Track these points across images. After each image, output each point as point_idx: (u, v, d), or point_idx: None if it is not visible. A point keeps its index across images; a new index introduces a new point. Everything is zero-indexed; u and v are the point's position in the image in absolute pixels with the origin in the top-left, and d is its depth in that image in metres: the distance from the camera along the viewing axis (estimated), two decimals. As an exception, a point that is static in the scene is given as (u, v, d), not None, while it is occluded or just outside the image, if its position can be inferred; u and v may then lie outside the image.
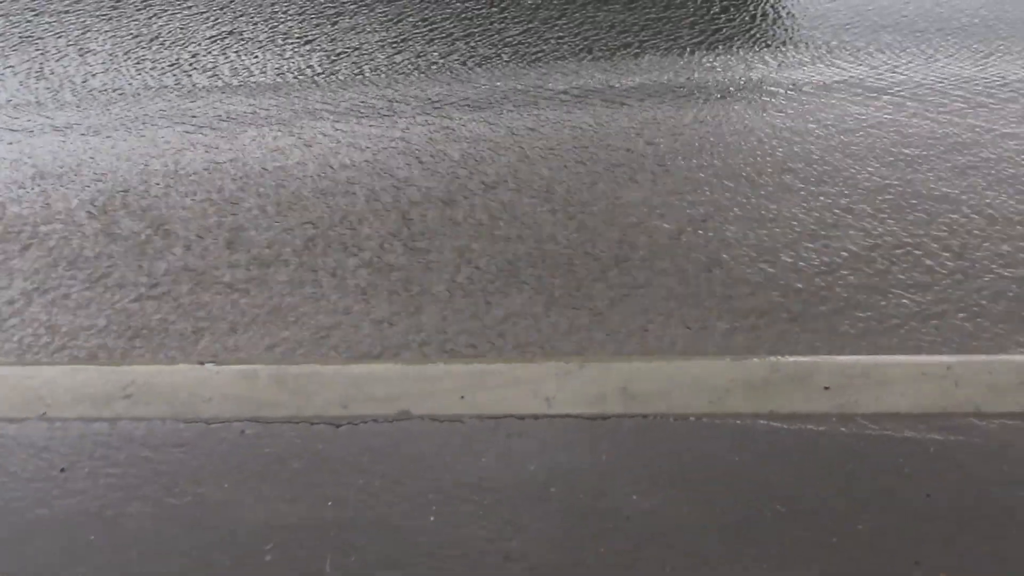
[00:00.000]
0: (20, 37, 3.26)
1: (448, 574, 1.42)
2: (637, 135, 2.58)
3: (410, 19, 3.29)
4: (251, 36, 3.22)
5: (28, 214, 2.34)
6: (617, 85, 2.84)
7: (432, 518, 1.51)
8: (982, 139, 2.48)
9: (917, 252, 2.09)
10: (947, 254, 2.08)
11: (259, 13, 3.38)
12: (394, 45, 3.13)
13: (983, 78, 2.81)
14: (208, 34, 3.24)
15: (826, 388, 1.74)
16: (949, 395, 1.71)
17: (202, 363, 1.86)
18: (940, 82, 2.80)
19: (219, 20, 3.34)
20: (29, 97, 2.89)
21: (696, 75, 2.90)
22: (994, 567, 1.41)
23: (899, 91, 2.76)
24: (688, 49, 3.05)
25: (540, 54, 3.05)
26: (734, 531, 1.48)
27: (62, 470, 1.62)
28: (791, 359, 1.80)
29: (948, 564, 1.41)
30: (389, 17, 3.32)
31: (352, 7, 3.39)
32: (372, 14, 3.35)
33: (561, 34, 3.16)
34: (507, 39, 3.14)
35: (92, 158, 2.56)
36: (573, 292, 2.01)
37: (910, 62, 2.91)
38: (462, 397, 1.74)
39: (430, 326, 1.94)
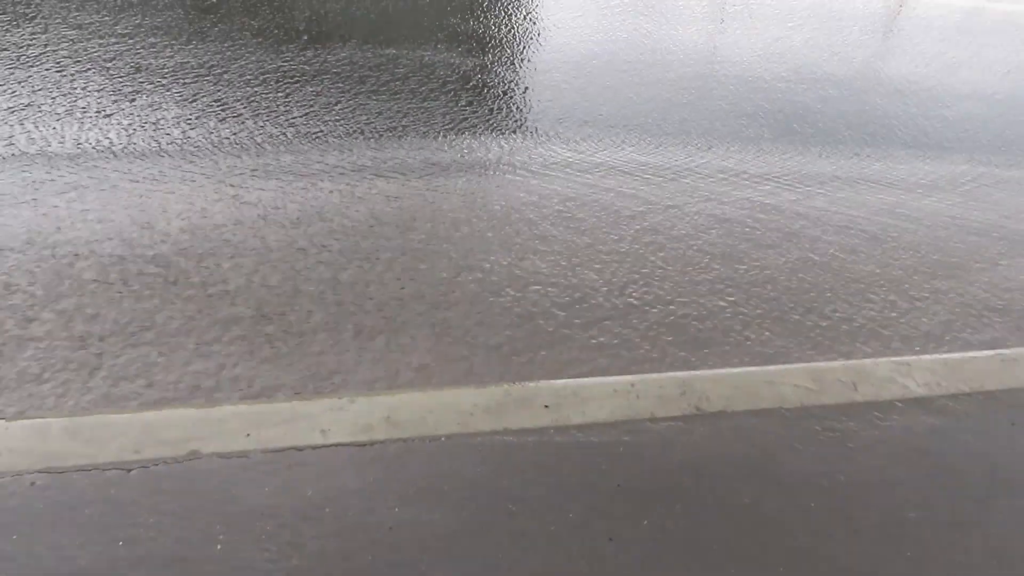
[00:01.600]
0: None
1: (233, 596, 1.32)
2: (395, 199, 2.58)
3: (205, 99, 3.09)
4: (49, 109, 2.86)
5: None
6: (383, 161, 2.83)
7: (219, 547, 1.40)
8: (647, 209, 2.74)
9: (600, 295, 2.25)
10: (625, 297, 2.25)
11: (57, 88, 3.02)
12: (189, 122, 2.92)
13: (655, 163, 3.11)
14: (5, 105, 2.84)
15: (546, 406, 1.81)
16: (632, 406, 1.85)
17: (-9, 420, 1.61)
18: (626, 164, 3.05)
19: (17, 92, 2.94)
20: None
21: (447, 154, 2.96)
22: (666, 535, 1.53)
23: (598, 171, 2.98)
24: (442, 133, 3.11)
25: (320, 134, 2.97)
26: (476, 528, 1.50)
27: None
28: (519, 384, 1.87)
29: (633, 538, 1.52)
30: (185, 97, 3.09)
31: (149, 87, 3.12)
32: (168, 94, 3.10)
33: (337, 118, 3.10)
34: (291, 119, 3.03)
35: None
36: (336, 340, 1.97)
37: (605, 149, 3.15)
38: (248, 434, 1.63)
39: (224, 376, 1.81)
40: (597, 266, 2.37)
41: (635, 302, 2.23)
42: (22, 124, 2.75)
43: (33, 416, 1.63)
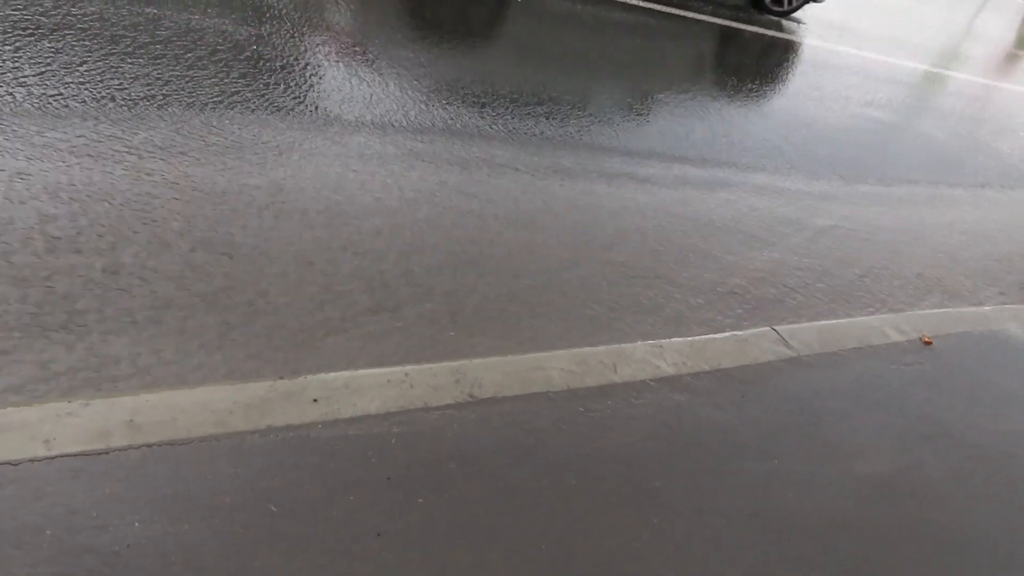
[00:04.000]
0: None
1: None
2: (143, 174, 2.33)
3: (-98, 47, 2.55)
4: None
5: None
6: (133, 134, 2.53)
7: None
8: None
9: (380, 283, 2.21)
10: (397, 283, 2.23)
11: None
12: None
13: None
14: None
15: (315, 400, 1.74)
16: (406, 396, 1.83)
17: None
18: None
19: None
20: None
21: (217, 130, 2.72)
22: (434, 525, 1.53)
23: (365, 152, 2.90)
24: (210, 105, 2.85)
25: (58, 97, 2.58)
26: (230, 535, 1.39)
27: None
28: (287, 380, 1.77)
29: (405, 529, 1.50)
30: None
31: None
32: None
33: (82, 80, 2.72)
34: (21, 79, 2.61)
35: None
36: (82, 337, 1.73)
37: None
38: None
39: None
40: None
41: (406, 296, 2.20)
42: None
43: None
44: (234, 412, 1.64)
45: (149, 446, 1.51)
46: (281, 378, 1.77)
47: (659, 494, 1.78)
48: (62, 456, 1.43)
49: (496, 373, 1.99)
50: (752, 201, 3.59)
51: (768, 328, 2.55)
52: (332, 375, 1.83)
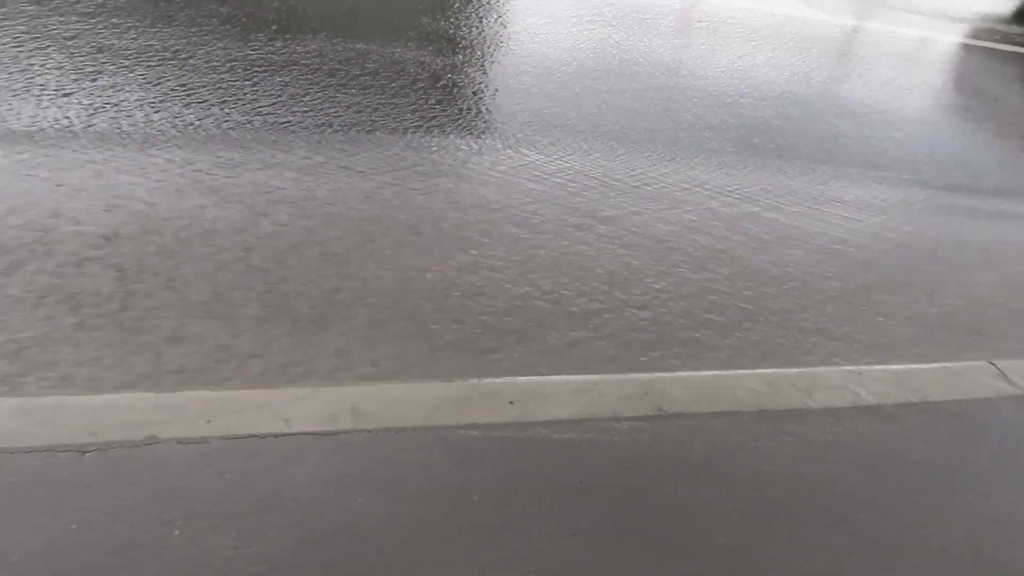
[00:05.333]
0: None
1: (191, 583, 1.30)
2: (365, 197, 2.57)
3: (170, 83, 3.02)
4: (4, 85, 2.77)
5: None
6: (350, 156, 2.82)
7: (177, 532, 1.38)
8: (614, 215, 2.78)
9: (566, 294, 2.28)
10: (589, 297, 2.29)
11: (15, 63, 2.92)
12: (153, 105, 2.85)
13: (621, 169, 3.16)
14: (-43, 78, 2.74)
15: (511, 402, 1.83)
16: (596, 405, 1.87)
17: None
18: (593, 170, 3.10)
19: (-31, 65, 2.84)
20: None
21: (415, 152, 2.95)
22: (626, 531, 1.56)
23: (564, 175, 3.01)
24: (411, 131, 3.10)
25: (287, 124, 2.94)
26: (440, 517, 1.50)
27: None
28: (486, 380, 1.88)
29: (597, 532, 1.54)
30: (149, 80, 3.02)
31: (112, 67, 3.04)
32: (132, 75, 3.02)
33: (306, 109, 3.07)
34: (258, 109, 2.99)
35: None
36: (311, 327, 1.95)
37: (573, 154, 3.19)
38: (208, 421, 1.61)
39: (184, 362, 1.77)
40: (551, 270, 2.40)
41: (602, 305, 2.26)
42: (-24, 97, 2.66)
43: (-18, 396, 1.58)
44: (440, 408, 1.77)
45: (370, 431, 1.66)
46: (480, 379, 1.88)
47: (860, 526, 1.69)
48: (299, 434, 1.62)
49: (684, 389, 1.99)
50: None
51: (985, 362, 2.34)
52: (525, 379, 1.92)
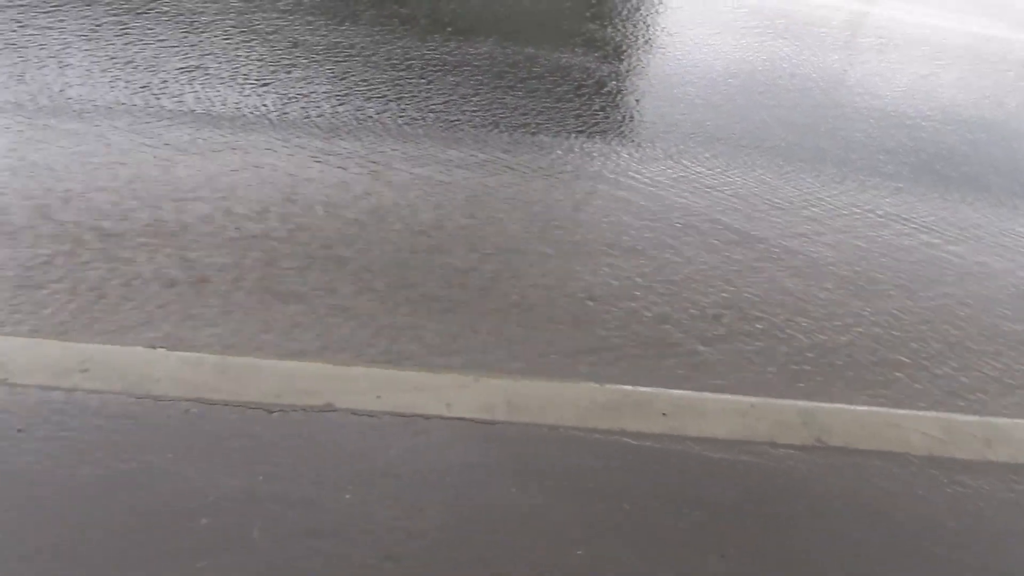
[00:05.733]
0: (3, 43, 2.99)
1: (359, 545, 1.40)
2: (526, 198, 2.64)
3: (354, 78, 3.24)
4: (215, 73, 3.07)
5: (-2, 200, 2.15)
6: (515, 157, 2.90)
7: (348, 496, 1.48)
8: (775, 235, 2.68)
9: (721, 311, 2.22)
10: (744, 318, 2.22)
11: (224, 53, 3.24)
12: (338, 98, 3.07)
13: (785, 188, 3.04)
14: (177, 65, 3.08)
15: (664, 414, 1.82)
16: (752, 428, 1.82)
17: (154, 347, 1.75)
18: (756, 186, 3.01)
19: (188, 55, 3.18)
20: (11, 98, 2.65)
21: (576, 156, 2.99)
22: (776, 560, 1.51)
23: (726, 189, 2.94)
24: (574, 135, 3.14)
25: (457, 122, 3.07)
26: (589, 519, 1.52)
27: (19, 430, 1.48)
28: (639, 388, 1.88)
29: (747, 557, 1.50)
30: (336, 74, 3.26)
31: (305, 61, 3.30)
32: (322, 69, 3.27)
33: (475, 108, 3.19)
34: (431, 106, 3.14)
35: (48, 156, 2.38)
36: (474, 322, 2.03)
37: (735, 169, 3.11)
38: (378, 396, 1.72)
39: (358, 338, 1.90)
40: (705, 285, 2.35)
41: (749, 327, 2.20)
42: (191, 84, 2.97)
43: (189, 350, 1.76)
44: (592, 410, 1.79)
45: (523, 425, 1.71)
46: (634, 387, 1.89)
47: (1044, 596, 1.54)
48: (458, 419, 1.70)
49: (847, 422, 1.90)
50: None
51: None
52: (679, 393, 1.90)
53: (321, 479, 1.50)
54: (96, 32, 3.22)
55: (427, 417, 1.68)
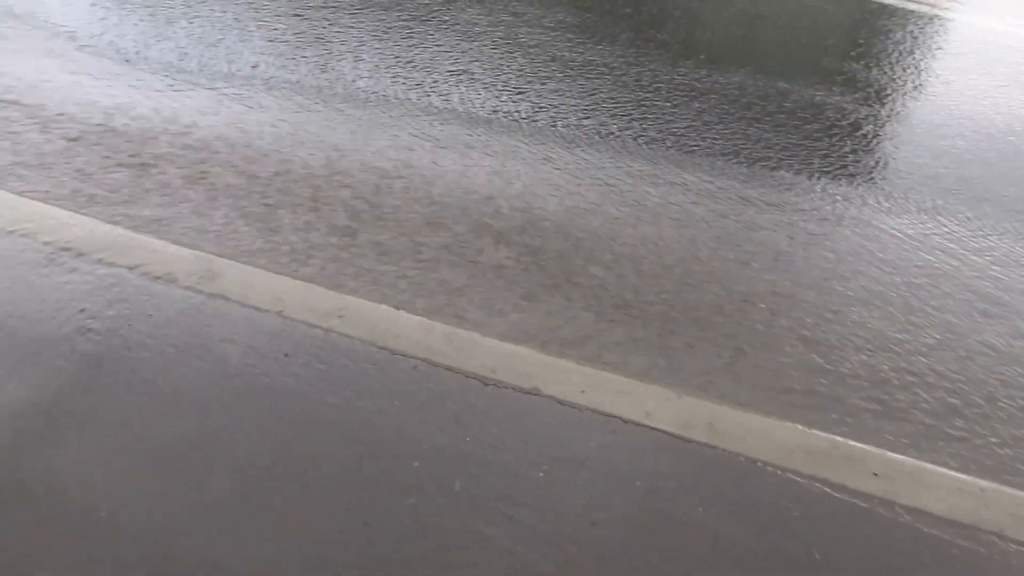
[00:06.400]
0: (314, 37, 3.52)
1: (544, 523, 1.48)
2: (758, 231, 2.59)
3: (602, 95, 3.38)
4: (480, 78, 3.37)
5: (269, 173, 2.55)
6: (750, 188, 2.85)
7: (542, 475, 1.58)
8: (1052, 313, 2.38)
9: (957, 383, 2.02)
10: (982, 395, 2.00)
11: (489, 61, 3.54)
12: (585, 111, 3.22)
13: (1062, 264, 2.68)
14: (449, 68, 3.42)
15: (875, 474, 1.71)
16: (978, 513, 1.65)
17: (398, 308, 1.98)
18: (1022, 258, 2.69)
19: (459, 59, 3.51)
20: (314, 83, 3.12)
21: (817, 197, 2.87)
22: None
23: (985, 255, 2.66)
24: (816, 175, 3.02)
25: (696, 148, 3.08)
26: (775, 562, 1.48)
27: (286, 355, 1.76)
28: (852, 443, 1.78)
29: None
30: (586, 90, 3.42)
31: (559, 75, 3.51)
32: (574, 84, 3.45)
33: (716, 137, 3.18)
34: (672, 129, 3.19)
35: (336, 135, 2.76)
36: (689, 343, 2.05)
37: (1004, 235, 2.80)
38: (583, 391, 1.80)
39: (574, 335, 2.01)
40: (941, 353, 2.14)
41: (987, 408, 1.97)
42: (458, 85, 3.28)
43: (423, 315, 1.97)
44: (795, 453, 1.73)
45: (721, 451, 1.70)
46: (844, 439, 1.79)
47: None
48: (656, 429, 1.73)
49: (1101, 534, 1.65)
50: None
51: None
52: (896, 457, 1.77)
53: (520, 454, 1.61)
54: (386, 34, 3.67)
55: (625, 420, 1.73)
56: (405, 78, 3.28)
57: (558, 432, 1.68)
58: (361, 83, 3.19)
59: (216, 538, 1.38)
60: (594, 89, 3.46)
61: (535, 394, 1.78)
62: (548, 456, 1.62)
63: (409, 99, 3.12)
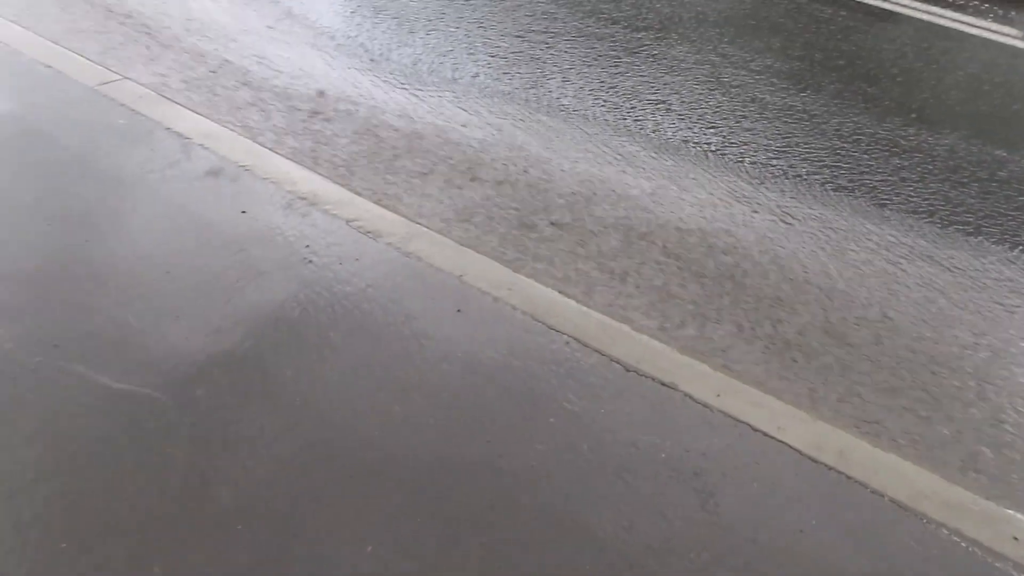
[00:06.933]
0: (531, 56, 3.88)
1: (657, 497, 1.60)
2: (939, 292, 2.50)
3: (795, 139, 3.41)
4: (676, 109, 3.54)
5: (468, 164, 2.87)
6: (940, 250, 2.76)
7: (663, 455, 1.70)
8: None
9: None
10: None
11: (689, 95, 3.69)
12: (775, 152, 3.27)
13: None
14: (649, 97, 3.62)
15: (1015, 538, 1.64)
16: None
17: (562, 292, 2.19)
18: None
19: (660, 91, 3.70)
20: (524, 96, 3.45)
21: (1017, 271, 2.71)
22: None
23: None
24: (1020, 247, 2.85)
25: (888, 202, 3.02)
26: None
27: (458, 311, 2.03)
28: (994, 504, 1.72)
29: None
30: (780, 132, 3.46)
31: (755, 115, 3.58)
32: (769, 125, 3.51)
33: (912, 195, 3.09)
34: (865, 180, 3.15)
35: (527, 138, 3.05)
36: (841, 373, 2.07)
37: None
38: (718, 395, 1.89)
39: (720, 344, 2.11)
40: None
41: None
42: (654, 114, 3.47)
43: (577, 300, 2.16)
44: (929, 498, 1.70)
45: (848, 478, 1.72)
46: (985, 499, 1.73)
47: None
48: (785, 444, 1.78)
49: None
50: None
51: None
52: (1045, 530, 1.68)
53: (646, 434, 1.74)
54: (596, 61, 3.95)
55: (755, 429, 1.80)
56: (605, 101, 3.52)
57: (686, 424, 1.79)
58: (565, 101, 3.47)
59: (418, 442, 1.65)
60: (789, 132, 3.49)
61: (672, 388, 1.90)
62: (671, 442, 1.73)
63: (606, 120, 3.36)
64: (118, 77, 2.98)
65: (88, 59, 3.10)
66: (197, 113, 2.85)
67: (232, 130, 2.78)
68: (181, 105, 2.89)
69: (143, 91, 2.92)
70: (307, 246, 2.19)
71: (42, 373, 1.69)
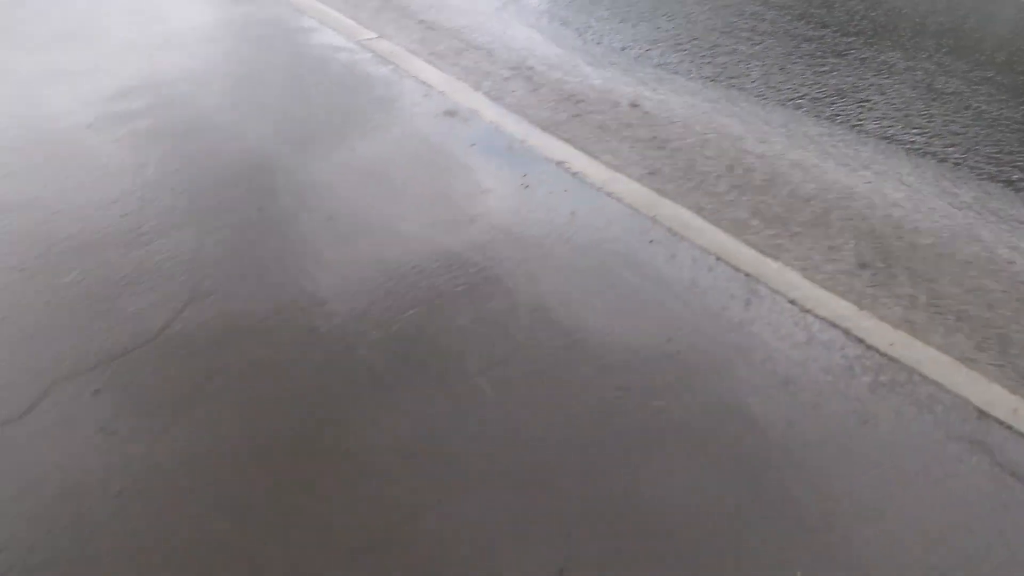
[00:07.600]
0: (734, 51, 4.04)
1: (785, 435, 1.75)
2: None
3: (1008, 147, 3.31)
4: (880, 108, 3.55)
5: (679, 141, 3.07)
6: None
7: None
8: None
9: None
10: None
11: (897, 96, 3.68)
12: (987, 158, 3.20)
13: None
14: (853, 96, 3.66)
15: None
16: None
17: (736, 237, 2.36)
18: None
19: (864, 90, 3.72)
20: (724, 83, 3.63)
21: None
22: None
23: None
24: None
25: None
26: None
27: (650, 241, 2.27)
28: None
29: None
30: (992, 139, 3.37)
31: (968, 120, 3.50)
32: (980, 132, 3.41)
33: None
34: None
35: (736, 123, 3.22)
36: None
37: None
38: (891, 344, 1.98)
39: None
40: None
41: None
42: (858, 110, 3.51)
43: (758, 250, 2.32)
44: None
45: (1016, 431, 1.76)
46: None
47: None
48: (951, 392, 1.85)
49: None
50: None
51: None
52: None
53: (802, 371, 1.89)
54: (800, 59, 4.03)
55: (923, 376, 1.89)
56: (806, 95, 3.61)
57: (843, 366, 1.91)
58: (766, 91, 3.61)
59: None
60: (1000, 140, 3.39)
61: (847, 333, 2.02)
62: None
63: (806, 111, 3.45)
64: (375, 35, 3.54)
65: (353, 20, 3.71)
66: (436, 68, 3.32)
67: (464, 82, 3.22)
68: (424, 61, 3.38)
69: (394, 47, 3.45)
70: (524, 175, 2.53)
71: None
